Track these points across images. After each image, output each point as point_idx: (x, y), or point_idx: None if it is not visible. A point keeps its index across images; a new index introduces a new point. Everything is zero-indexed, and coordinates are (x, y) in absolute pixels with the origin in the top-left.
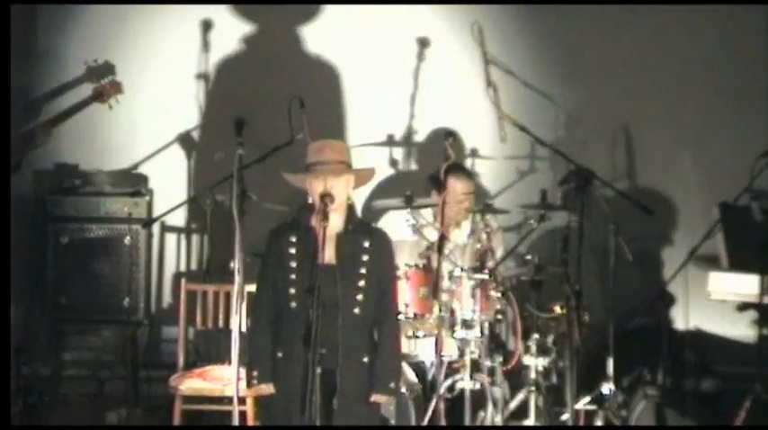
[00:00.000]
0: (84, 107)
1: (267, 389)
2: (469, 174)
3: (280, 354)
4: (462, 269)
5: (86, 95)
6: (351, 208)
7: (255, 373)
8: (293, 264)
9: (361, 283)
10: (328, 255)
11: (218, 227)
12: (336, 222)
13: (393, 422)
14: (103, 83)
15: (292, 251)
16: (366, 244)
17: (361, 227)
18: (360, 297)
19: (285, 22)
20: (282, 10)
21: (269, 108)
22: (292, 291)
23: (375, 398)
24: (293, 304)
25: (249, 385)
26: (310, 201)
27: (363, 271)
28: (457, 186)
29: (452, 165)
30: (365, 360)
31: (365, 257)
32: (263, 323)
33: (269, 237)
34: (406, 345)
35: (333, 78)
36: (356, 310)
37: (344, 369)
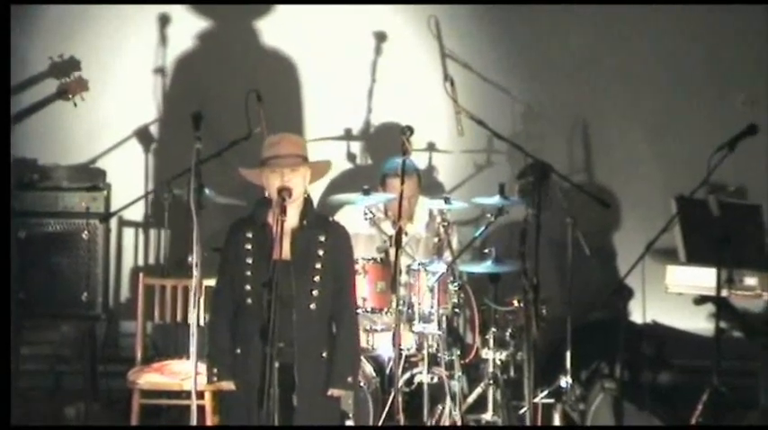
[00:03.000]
0: (47, 104)
1: (228, 385)
2: (410, 172)
3: (238, 350)
4: (420, 263)
5: (50, 92)
6: (307, 202)
7: (216, 370)
8: (249, 261)
9: (317, 278)
10: (284, 250)
11: (175, 221)
12: (292, 217)
13: (351, 416)
14: (69, 80)
15: (248, 247)
16: (322, 238)
17: (318, 221)
18: (315, 292)
19: (242, 16)
20: (239, 5)
21: (226, 102)
22: (248, 287)
23: (332, 392)
24: (249, 300)
25: (209, 381)
26: (267, 195)
27: (319, 266)
28: (397, 184)
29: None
30: (324, 355)
31: (320, 252)
32: (222, 319)
33: (227, 233)
34: (364, 339)
35: (290, 72)
36: (312, 306)
37: (302, 364)
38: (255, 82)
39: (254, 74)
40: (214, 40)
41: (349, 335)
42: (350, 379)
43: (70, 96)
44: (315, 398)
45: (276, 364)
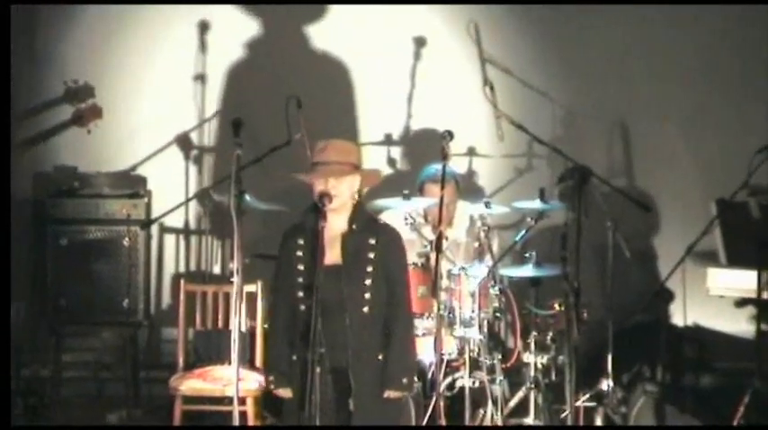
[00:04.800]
0: (62, 130)
1: (285, 392)
2: (448, 178)
3: (294, 357)
4: (461, 268)
5: (66, 118)
6: (357, 207)
7: (272, 378)
8: (300, 267)
9: (368, 282)
10: (334, 255)
11: (216, 227)
12: (340, 222)
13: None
14: (83, 107)
15: (299, 253)
16: (372, 241)
17: (369, 224)
18: (368, 295)
19: (282, 22)
20: (279, 10)
21: (266, 108)
22: (300, 293)
23: (388, 394)
24: (302, 306)
25: (267, 388)
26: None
27: (370, 269)
28: (435, 190)
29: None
30: (380, 357)
31: (371, 255)
32: (279, 326)
33: (281, 240)
34: None
35: (330, 78)
36: (365, 309)
37: (357, 368)
38: (295, 88)
39: (294, 80)
40: (254, 46)
41: (403, 336)
42: (405, 380)
43: (85, 123)
44: (373, 402)
45: (318, 370)
